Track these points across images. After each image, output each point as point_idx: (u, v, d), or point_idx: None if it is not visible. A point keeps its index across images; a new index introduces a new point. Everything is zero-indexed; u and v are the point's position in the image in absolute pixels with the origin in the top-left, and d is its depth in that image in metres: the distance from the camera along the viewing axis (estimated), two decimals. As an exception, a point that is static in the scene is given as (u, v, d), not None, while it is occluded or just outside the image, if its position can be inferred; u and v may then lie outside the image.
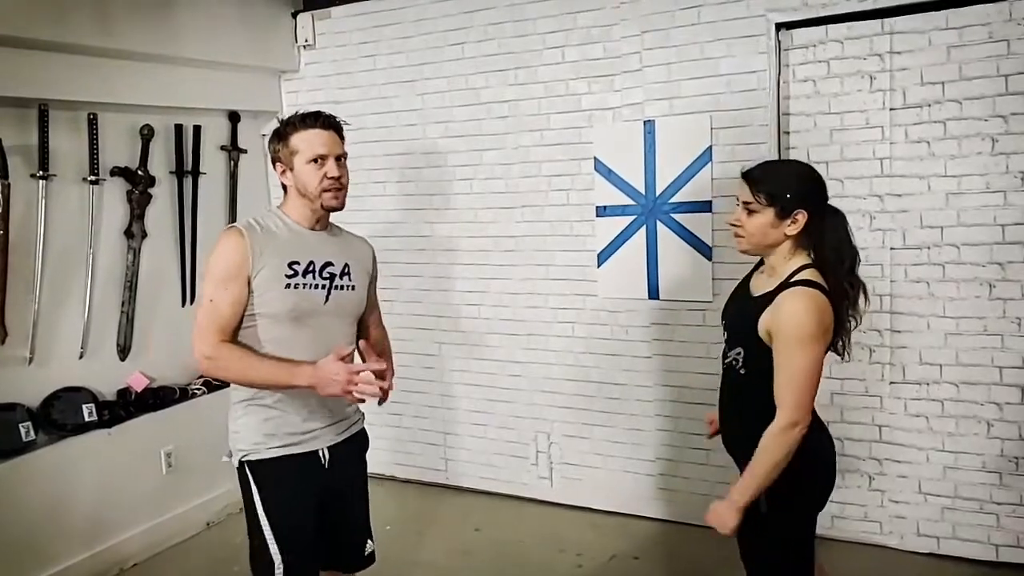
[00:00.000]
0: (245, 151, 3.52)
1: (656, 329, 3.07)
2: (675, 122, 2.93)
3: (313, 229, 1.82)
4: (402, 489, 3.60)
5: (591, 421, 3.25)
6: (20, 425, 2.70)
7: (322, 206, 1.78)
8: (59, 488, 2.77)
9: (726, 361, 1.77)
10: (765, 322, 1.63)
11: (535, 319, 3.29)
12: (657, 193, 2.98)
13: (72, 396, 2.88)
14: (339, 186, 1.78)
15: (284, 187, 1.84)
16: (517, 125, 3.21)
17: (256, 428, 1.78)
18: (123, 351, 3.09)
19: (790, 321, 1.59)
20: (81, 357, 2.94)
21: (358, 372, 1.67)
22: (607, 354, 3.17)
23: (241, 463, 1.79)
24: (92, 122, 2.90)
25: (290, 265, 1.74)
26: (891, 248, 2.74)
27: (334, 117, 1.81)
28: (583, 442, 3.28)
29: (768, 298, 1.65)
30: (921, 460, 2.76)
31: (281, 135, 1.79)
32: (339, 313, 1.82)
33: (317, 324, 1.77)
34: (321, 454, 1.82)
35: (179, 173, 3.27)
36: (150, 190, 3.13)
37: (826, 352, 1.65)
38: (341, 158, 1.80)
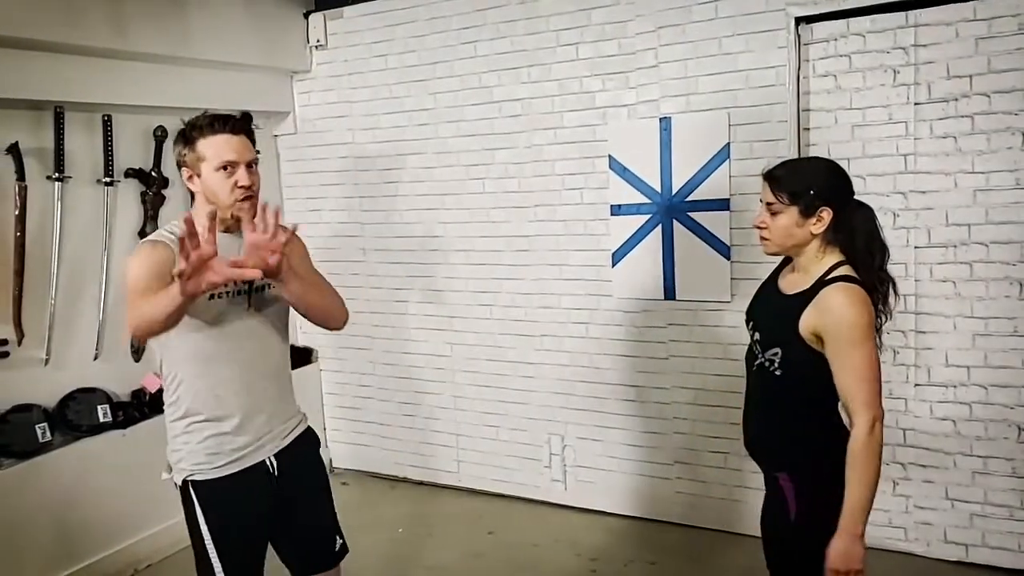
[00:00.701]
0: (258, 152, 3.50)
1: (673, 330, 3.02)
2: (692, 119, 2.87)
3: (228, 231, 1.69)
4: (414, 490, 3.58)
5: (606, 423, 3.20)
6: (36, 426, 2.72)
7: (232, 216, 1.67)
8: (74, 489, 2.78)
9: (756, 363, 1.70)
10: (809, 321, 1.57)
11: (548, 320, 3.25)
12: (673, 191, 2.92)
13: (87, 397, 2.90)
14: (251, 194, 1.67)
15: (191, 193, 1.74)
16: (530, 124, 3.17)
17: (198, 448, 1.70)
18: (137, 352, 3.09)
19: (842, 318, 1.54)
20: (96, 358, 2.95)
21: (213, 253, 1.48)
22: (622, 355, 3.12)
23: (184, 482, 1.72)
24: (107, 124, 2.92)
25: None
26: (915, 247, 2.66)
27: (245, 121, 1.71)
28: (597, 444, 3.23)
29: (806, 296, 1.60)
30: (948, 465, 2.68)
31: (187, 139, 1.67)
32: (266, 317, 1.74)
33: (243, 332, 1.70)
34: (268, 463, 1.76)
35: (193, 174, 3.27)
36: (163, 191, 3.14)
37: None
38: (252, 164, 1.69)
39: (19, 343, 2.70)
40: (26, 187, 2.68)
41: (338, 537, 1.93)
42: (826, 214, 1.60)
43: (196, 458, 1.71)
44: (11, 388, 2.69)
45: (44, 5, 2.54)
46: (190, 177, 1.70)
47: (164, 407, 1.77)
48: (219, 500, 1.71)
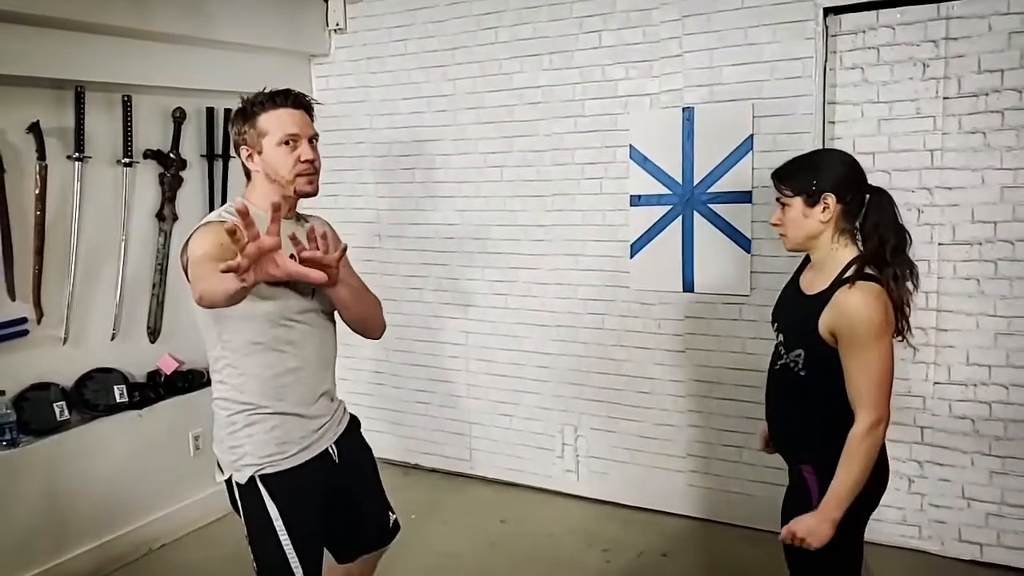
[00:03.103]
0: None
1: (690, 323, 3.00)
2: (715, 109, 2.84)
3: (286, 218, 1.62)
4: (427, 478, 3.59)
5: (620, 415, 3.19)
6: (54, 404, 2.73)
7: (295, 191, 1.63)
8: (90, 467, 2.80)
9: (780, 363, 1.71)
10: (827, 321, 1.58)
11: (564, 310, 3.24)
12: (694, 183, 2.90)
13: (104, 377, 2.91)
14: (313, 170, 1.63)
15: (247, 173, 1.68)
16: (550, 111, 3.15)
17: (267, 438, 1.63)
18: (153, 333, 3.10)
19: (855, 319, 1.54)
20: (113, 339, 2.96)
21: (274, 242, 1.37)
22: (638, 347, 3.11)
23: (252, 479, 1.63)
24: (127, 104, 2.91)
25: None
26: (939, 243, 2.63)
27: (305, 95, 1.67)
28: (611, 436, 3.22)
29: (824, 296, 1.60)
30: (965, 464, 2.66)
31: (247, 115, 1.62)
32: (325, 305, 1.70)
33: (309, 318, 1.66)
34: (331, 451, 1.73)
35: (210, 156, 3.26)
36: (181, 173, 3.13)
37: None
38: (313, 139, 1.65)
39: (38, 322, 2.71)
40: (46, 166, 2.68)
41: (391, 513, 1.94)
42: (830, 200, 1.60)
43: (266, 449, 1.63)
44: (30, 367, 2.70)
45: (67, -17, 2.53)
46: (249, 155, 1.65)
47: (216, 401, 1.69)
48: (291, 492, 1.64)
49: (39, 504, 2.65)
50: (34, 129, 2.64)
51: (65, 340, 2.80)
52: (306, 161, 1.62)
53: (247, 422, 1.64)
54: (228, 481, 1.69)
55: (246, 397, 1.64)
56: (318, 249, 1.48)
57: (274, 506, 1.63)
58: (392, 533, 1.94)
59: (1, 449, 2.58)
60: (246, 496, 1.65)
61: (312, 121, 1.69)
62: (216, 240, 1.52)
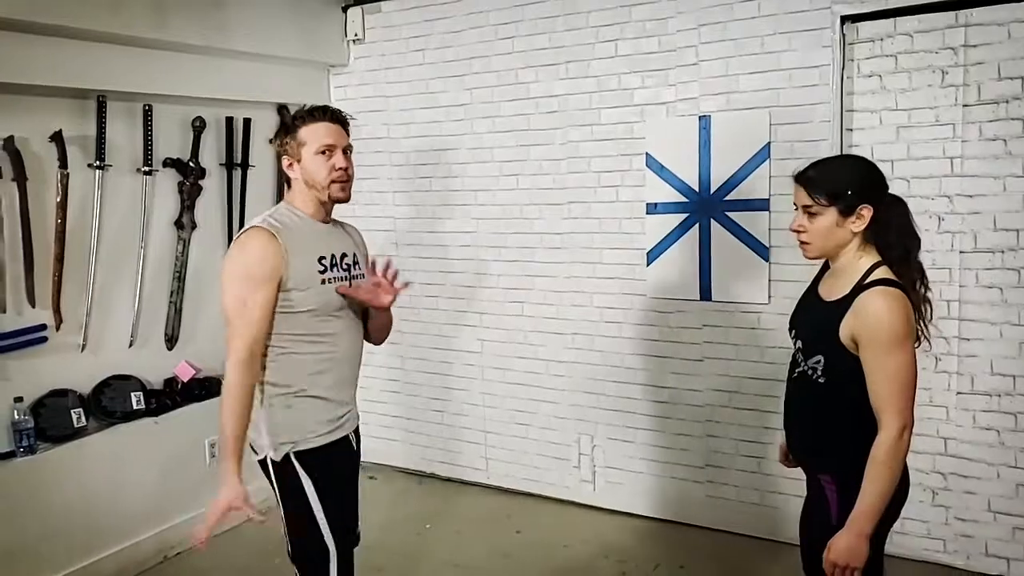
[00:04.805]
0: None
1: (707, 331, 2.98)
2: (732, 117, 2.83)
3: (324, 222, 1.86)
4: (442, 487, 3.57)
5: (637, 424, 3.17)
6: (72, 411, 2.75)
7: (330, 197, 1.81)
8: (107, 474, 2.80)
9: (798, 370, 1.69)
10: (848, 327, 1.56)
11: (580, 318, 3.23)
12: (711, 190, 2.89)
13: (122, 384, 2.92)
14: (346, 177, 1.81)
15: (288, 182, 1.87)
16: (566, 120, 3.15)
17: (304, 417, 1.79)
18: (171, 341, 3.12)
19: (878, 324, 1.52)
20: (131, 345, 2.97)
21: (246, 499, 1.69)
22: (655, 355, 3.09)
23: (287, 456, 1.77)
24: (147, 113, 2.94)
25: (319, 260, 1.79)
26: (960, 251, 2.61)
27: (341, 111, 1.86)
28: (628, 446, 3.19)
29: (845, 302, 1.58)
30: (991, 476, 2.61)
31: (289, 128, 1.83)
32: (355, 303, 1.87)
33: (346, 315, 1.84)
34: (351, 438, 1.90)
35: (228, 165, 3.29)
36: (200, 182, 3.16)
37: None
38: (347, 150, 1.84)
39: (57, 328, 2.73)
40: (68, 175, 2.71)
41: (358, 523, 2.02)
42: (866, 212, 1.58)
43: (305, 426, 1.78)
44: (48, 373, 2.72)
45: (91, -6, 2.57)
46: (290, 164, 1.83)
47: (262, 384, 1.80)
48: (322, 467, 1.80)
49: (56, 511, 2.65)
50: (56, 138, 2.68)
51: (83, 347, 2.82)
52: (340, 169, 1.80)
53: (285, 404, 1.79)
54: (263, 461, 1.82)
55: (287, 381, 1.79)
56: (384, 278, 1.86)
57: (310, 481, 1.78)
58: (357, 540, 2.00)
59: (19, 455, 2.59)
60: (280, 474, 1.79)
61: (348, 135, 1.87)
62: (270, 260, 1.71)
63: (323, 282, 1.78)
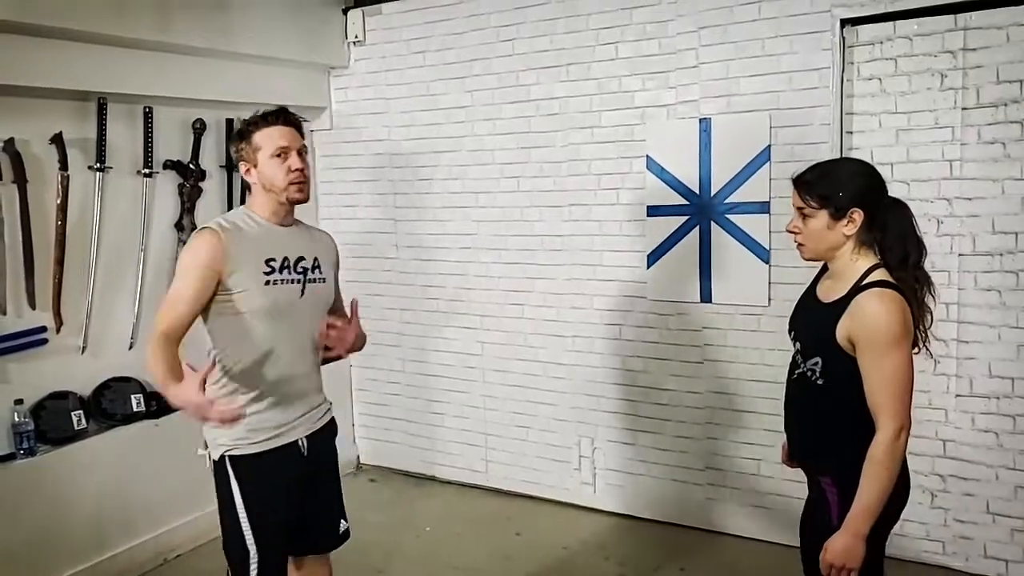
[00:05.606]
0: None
1: (708, 334, 2.98)
2: (732, 120, 2.84)
3: (283, 225, 1.85)
4: (442, 489, 3.57)
5: (637, 427, 3.17)
6: (72, 413, 2.75)
7: (288, 199, 1.82)
8: (107, 477, 2.80)
9: (797, 372, 1.70)
10: (844, 329, 1.57)
11: (580, 320, 3.23)
12: (712, 193, 2.90)
13: (122, 386, 2.92)
14: (303, 178, 1.82)
15: (247, 187, 1.88)
16: (567, 123, 3.16)
17: (241, 422, 1.75)
18: (171, 343, 3.11)
19: (874, 325, 1.52)
20: (131, 348, 2.97)
21: (211, 402, 1.61)
22: (655, 358, 3.09)
23: (222, 457, 1.80)
24: (148, 115, 2.94)
25: (267, 262, 1.79)
26: (959, 254, 2.62)
27: (294, 114, 1.87)
28: (628, 448, 3.20)
29: (842, 303, 1.59)
30: (990, 478, 2.62)
31: (244, 134, 1.84)
32: (314, 305, 1.87)
33: (294, 318, 1.82)
34: (300, 444, 1.86)
35: (229, 167, 3.29)
36: (200, 184, 3.16)
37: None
38: (302, 151, 1.85)
39: (57, 331, 2.73)
40: (68, 176, 2.71)
41: (343, 520, 2.02)
42: (857, 215, 1.59)
43: (236, 433, 1.77)
44: (48, 375, 2.71)
45: (92, -3, 2.57)
46: (247, 170, 1.84)
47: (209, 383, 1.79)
48: (254, 474, 1.79)
49: (55, 513, 2.65)
50: (57, 140, 2.68)
51: (83, 349, 2.82)
52: (296, 170, 1.80)
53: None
54: (210, 457, 1.84)
55: (230, 385, 1.79)
56: (340, 328, 1.86)
57: (236, 484, 1.79)
58: (341, 539, 2.02)
59: (19, 458, 2.59)
60: (218, 474, 1.82)
61: (302, 136, 1.87)
62: (204, 255, 1.73)
63: (267, 283, 1.77)
